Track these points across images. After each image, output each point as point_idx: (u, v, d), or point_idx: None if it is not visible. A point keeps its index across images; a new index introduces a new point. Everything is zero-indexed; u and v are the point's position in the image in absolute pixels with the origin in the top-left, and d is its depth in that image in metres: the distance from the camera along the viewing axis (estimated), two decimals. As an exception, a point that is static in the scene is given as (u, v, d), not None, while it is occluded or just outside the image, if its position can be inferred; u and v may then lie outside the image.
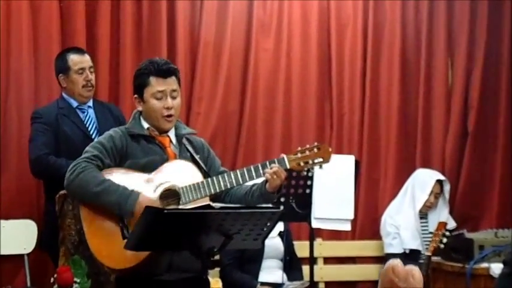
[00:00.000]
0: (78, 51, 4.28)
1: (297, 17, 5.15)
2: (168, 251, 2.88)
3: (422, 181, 4.94)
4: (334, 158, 3.12)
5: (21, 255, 4.55)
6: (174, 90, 3.04)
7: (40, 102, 4.66)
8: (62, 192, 4.19)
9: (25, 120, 4.61)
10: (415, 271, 0.74)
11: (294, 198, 4.07)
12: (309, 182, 4.10)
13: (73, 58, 4.20)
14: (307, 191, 4.10)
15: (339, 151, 5.05)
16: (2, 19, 4.59)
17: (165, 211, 2.65)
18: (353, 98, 5.23)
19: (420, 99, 5.28)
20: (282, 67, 5.12)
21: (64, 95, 4.25)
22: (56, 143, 4.13)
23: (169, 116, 3.04)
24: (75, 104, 4.23)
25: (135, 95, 3.10)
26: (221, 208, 2.70)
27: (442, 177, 4.98)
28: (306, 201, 4.09)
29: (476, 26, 5.33)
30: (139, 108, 3.09)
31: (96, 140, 3.09)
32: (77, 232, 3.95)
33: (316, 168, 3.06)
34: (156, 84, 3.02)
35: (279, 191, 3.04)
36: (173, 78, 3.06)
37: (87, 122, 4.21)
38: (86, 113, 4.23)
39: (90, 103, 4.27)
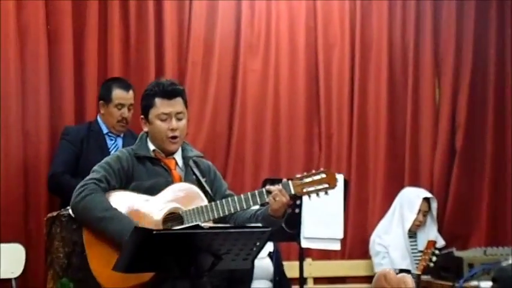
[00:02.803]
0: (124, 86, 4.35)
1: (285, 37, 5.18)
2: (170, 276, 2.85)
3: (410, 200, 4.95)
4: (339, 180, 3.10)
5: (9, 280, 4.50)
6: (179, 113, 3.04)
7: (26, 126, 4.62)
8: (50, 215, 4.16)
9: (12, 141, 4.58)
10: (407, 278, 0.74)
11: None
12: (298, 202, 4.10)
13: (117, 93, 4.29)
14: (297, 210, 4.09)
15: (328, 171, 5.05)
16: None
17: (154, 232, 2.64)
18: (341, 117, 5.25)
19: (408, 118, 5.31)
20: (270, 88, 5.14)
21: (98, 118, 4.35)
22: (76, 163, 4.17)
23: (174, 137, 3.03)
24: (105, 130, 4.31)
25: (142, 116, 3.10)
26: (210, 228, 2.68)
27: (428, 195, 4.99)
28: (295, 221, 4.08)
29: (462, 46, 5.38)
30: (145, 129, 3.09)
31: (103, 160, 3.07)
32: (65, 255, 3.91)
33: (322, 194, 3.03)
34: (160, 106, 3.02)
35: (284, 216, 3.01)
36: (179, 99, 3.05)
37: (112, 149, 4.25)
38: (113, 141, 4.31)
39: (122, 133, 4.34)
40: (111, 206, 2.91)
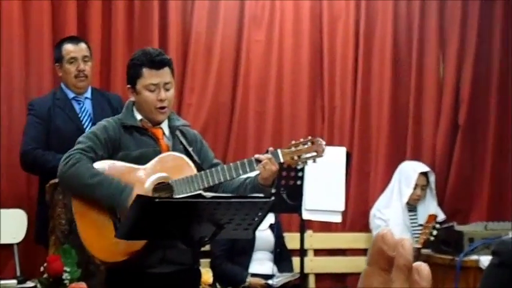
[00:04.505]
0: (73, 40, 4.21)
1: (289, 9, 5.14)
2: (160, 246, 2.87)
3: (407, 175, 4.95)
4: (326, 149, 3.13)
5: (11, 245, 4.53)
6: (167, 83, 3.01)
7: (30, 93, 4.64)
8: (52, 181, 4.18)
9: (15, 111, 4.60)
10: (405, 241, 0.74)
11: (285, 190, 4.07)
12: (300, 174, 4.10)
13: (66, 47, 4.14)
14: (298, 182, 4.10)
15: (330, 143, 5.04)
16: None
17: (156, 200, 2.65)
18: (344, 91, 5.23)
19: (411, 93, 5.30)
20: (273, 59, 5.12)
21: (62, 85, 4.19)
22: (46, 137, 4.08)
23: (162, 107, 3.02)
24: (71, 95, 4.15)
25: (128, 85, 3.07)
26: (212, 197, 2.69)
27: (425, 169, 4.99)
28: (296, 193, 4.08)
29: (467, 20, 5.34)
30: (132, 99, 3.07)
31: (89, 130, 3.06)
32: (67, 221, 3.94)
33: (310, 162, 3.05)
34: (149, 76, 2.99)
35: (272, 185, 3.03)
36: (166, 69, 3.02)
37: (81, 114, 4.13)
38: (81, 105, 4.16)
39: (88, 94, 4.18)
40: (99, 172, 2.89)
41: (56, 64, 4.19)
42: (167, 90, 3.01)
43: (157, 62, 3.00)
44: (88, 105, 4.17)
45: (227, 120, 5.07)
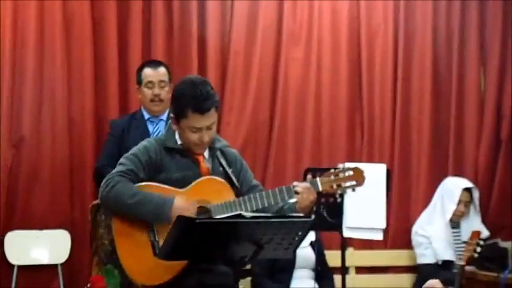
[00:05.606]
0: (153, 64, 4.32)
1: (327, 25, 5.14)
2: (198, 269, 2.87)
3: (450, 191, 4.89)
4: (366, 166, 3.10)
5: (55, 265, 4.60)
6: (211, 124, 2.99)
7: (72, 114, 4.72)
8: (95, 202, 4.23)
9: (58, 131, 4.68)
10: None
11: (325, 207, 4.04)
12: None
13: (145, 71, 4.26)
14: (339, 199, 4.07)
15: (370, 160, 5.03)
16: (35, 22, 4.66)
17: (197, 220, 2.66)
18: (384, 106, 5.20)
19: (452, 107, 5.24)
20: (311, 76, 5.12)
21: (142, 106, 4.32)
22: (118, 155, 4.18)
23: (202, 146, 3.03)
24: (147, 116, 4.28)
25: (171, 115, 3.06)
26: (252, 217, 2.69)
27: (469, 185, 4.92)
28: (337, 210, 4.06)
29: (508, 33, 5.28)
30: (174, 128, 3.08)
31: (131, 151, 3.09)
32: (109, 242, 3.97)
33: (349, 191, 3.03)
34: (193, 120, 2.96)
35: (310, 214, 3.00)
36: (212, 111, 2.98)
37: (153, 135, 4.19)
38: (155, 126, 4.27)
39: (164, 116, 4.26)
40: (139, 192, 2.91)
41: (136, 86, 4.31)
42: (210, 129, 3.01)
43: (204, 108, 2.95)
44: (162, 126, 4.24)
45: (266, 138, 5.08)
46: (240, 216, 2.69)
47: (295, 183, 2.99)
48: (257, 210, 3.02)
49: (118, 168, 3.00)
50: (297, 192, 2.95)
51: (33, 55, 4.66)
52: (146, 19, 4.90)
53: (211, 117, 2.99)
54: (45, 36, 4.69)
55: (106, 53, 4.79)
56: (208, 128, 3.00)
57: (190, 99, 2.95)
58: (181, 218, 2.65)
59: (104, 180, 2.97)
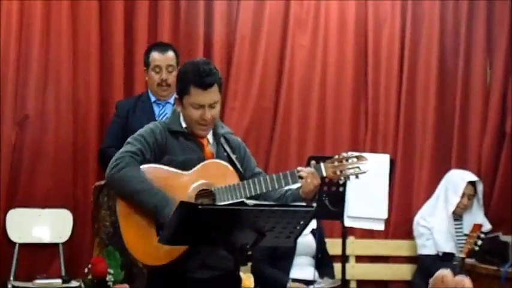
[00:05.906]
0: (161, 47, 4.26)
1: (334, 13, 5.12)
2: (200, 251, 2.89)
3: (454, 183, 4.89)
4: (369, 156, 3.10)
5: (57, 244, 4.62)
6: (213, 102, 2.99)
7: (77, 94, 4.72)
8: (97, 183, 4.26)
9: (62, 111, 4.68)
10: (465, 282, 0.73)
11: (327, 196, 4.05)
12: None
13: (153, 55, 4.21)
14: (341, 188, 4.08)
15: (374, 150, 5.03)
16: (41, 11, 4.66)
17: (200, 207, 2.66)
18: (389, 97, 5.19)
19: (457, 99, 5.23)
20: (317, 64, 5.11)
21: (149, 88, 4.28)
22: (122, 136, 4.18)
23: (205, 125, 3.04)
24: (153, 98, 4.25)
25: (176, 96, 3.09)
26: (255, 205, 2.69)
27: (474, 178, 4.92)
28: (339, 199, 4.06)
29: (516, 26, 5.25)
30: (178, 110, 3.08)
31: (137, 132, 3.09)
32: (111, 223, 4.00)
33: (352, 178, 3.03)
34: (195, 95, 2.96)
35: (314, 198, 3.01)
36: (214, 88, 2.97)
37: (159, 117, 4.17)
38: (161, 108, 4.24)
39: (171, 99, 4.22)
40: (146, 180, 2.92)
41: (144, 68, 4.28)
42: (213, 108, 3.01)
43: (206, 82, 2.96)
44: (168, 109, 4.22)
45: (270, 124, 5.08)
46: (242, 203, 2.70)
47: (299, 168, 2.99)
48: (260, 195, 3.03)
49: (127, 147, 2.99)
50: (301, 177, 2.95)
51: (39, 35, 4.66)
52: (153, 7, 4.88)
53: (214, 94, 2.98)
54: (52, 17, 4.69)
55: (112, 34, 4.78)
56: (211, 106, 2.99)
57: (192, 75, 2.97)
58: (184, 205, 2.65)
59: (114, 159, 2.95)
